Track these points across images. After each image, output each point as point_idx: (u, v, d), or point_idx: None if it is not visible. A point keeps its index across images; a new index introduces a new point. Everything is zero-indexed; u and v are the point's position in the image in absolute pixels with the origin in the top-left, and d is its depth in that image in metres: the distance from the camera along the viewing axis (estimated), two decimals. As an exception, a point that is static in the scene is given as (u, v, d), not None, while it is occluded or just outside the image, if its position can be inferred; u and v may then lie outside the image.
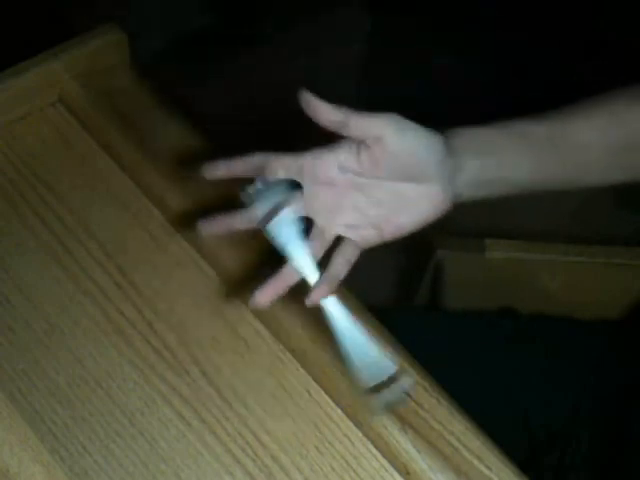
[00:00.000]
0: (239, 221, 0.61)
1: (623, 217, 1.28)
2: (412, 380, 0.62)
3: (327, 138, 0.59)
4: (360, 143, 0.57)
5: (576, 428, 0.82)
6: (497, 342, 0.88)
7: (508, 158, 0.60)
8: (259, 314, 0.68)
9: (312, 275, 0.59)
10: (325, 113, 0.57)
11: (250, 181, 0.61)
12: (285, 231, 0.60)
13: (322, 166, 0.59)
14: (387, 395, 0.60)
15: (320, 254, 0.60)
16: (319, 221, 0.60)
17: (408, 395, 0.62)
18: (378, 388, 0.60)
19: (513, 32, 1.51)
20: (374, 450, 0.62)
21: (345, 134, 0.57)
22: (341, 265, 0.60)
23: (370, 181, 0.59)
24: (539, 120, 0.61)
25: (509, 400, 0.84)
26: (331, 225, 0.60)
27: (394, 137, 0.56)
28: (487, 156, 0.60)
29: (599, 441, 0.81)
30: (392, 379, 0.60)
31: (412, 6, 1.62)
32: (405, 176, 0.58)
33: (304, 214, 0.61)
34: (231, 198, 0.74)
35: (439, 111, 1.52)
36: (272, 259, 0.70)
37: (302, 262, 0.59)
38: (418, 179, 0.58)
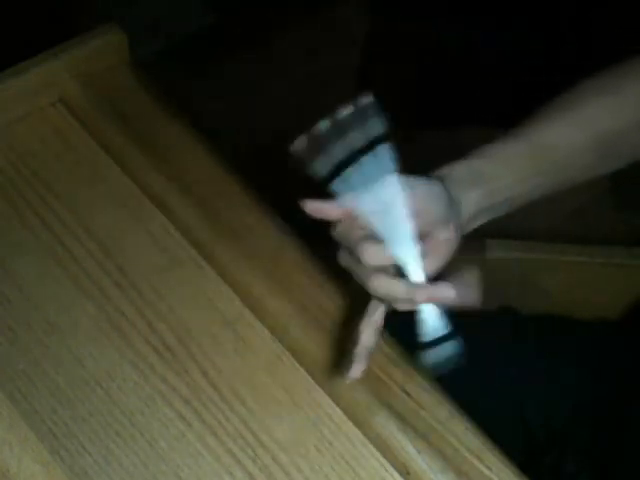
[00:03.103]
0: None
1: (622, 217, 1.28)
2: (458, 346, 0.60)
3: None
4: None
5: (576, 428, 0.82)
6: (496, 342, 0.88)
7: (501, 183, 0.61)
8: (259, 314, 0.68)
9: (416, 271, 0.56)
10: (334, 211, 0.56)
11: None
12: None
13: None
14: (438, 353, 0.58)
15: None
16: None
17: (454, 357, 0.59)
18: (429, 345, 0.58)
19: (516, 30, 1.51)
20: (374, 450, 0.62)
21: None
22: (371, 336, 0.59)
23: None
24: (517, 137, 0.62)
25: (509, 400, 0.84)
26: None
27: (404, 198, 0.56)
28: (482, 186, 0.60)
29: (599, 441, 0.81)
30: (442, 339, 0.58)
31: (412, 7, 1.62)
32: (421, 230, 0.58)
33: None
34: (232, 197, 0.74)
35: (438, 111, 1.52)
36: (272, 259, 0.70)
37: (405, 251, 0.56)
38: (434, 229, 0.58)
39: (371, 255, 0.56)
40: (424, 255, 0.57)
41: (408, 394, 0.63)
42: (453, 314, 0.61)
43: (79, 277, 0.69)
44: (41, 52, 0.78)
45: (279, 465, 0.61)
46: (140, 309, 0.68)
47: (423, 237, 0.58)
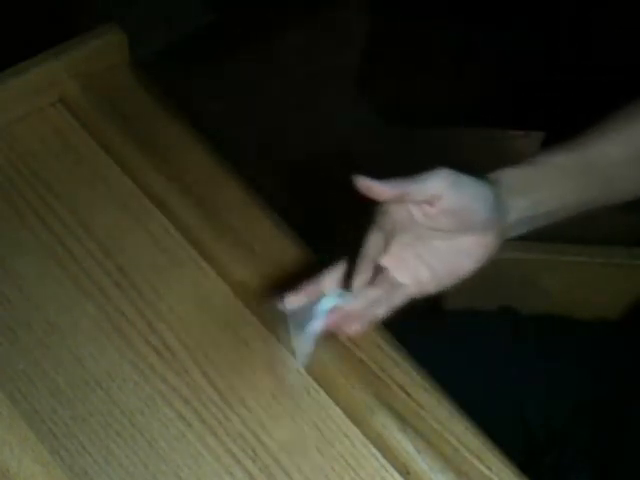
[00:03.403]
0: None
1: (622, 217, 1.28)
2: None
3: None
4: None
5: (576, 428, 0.82)
6: (497, 342, 0.88)
7: (548, 193, 0.61)
8: (259, 314, 0.68)
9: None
10: (384, 192, 0.57)
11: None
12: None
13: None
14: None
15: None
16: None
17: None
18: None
19: (516, 30, 1.51)
20: (374, 450, 0.62)
21: (405, 202, 0.58)
22: (386, 313, 0.61)
23: (428, 232, 0.60)
24: (568, 150, 0.62)
25: (508, 400, 0.84)
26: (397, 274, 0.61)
27: (451, 195, 0.57)
28: (530, 195, 0.61)
29: (599, 441, 0.81)
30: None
31: (412, 7, 1.62)
32: (462, 228, 0.59)
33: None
34: (232, 197, 0.74)
35: (438, 111, 1.52)
36: (272, 259, 0.70)
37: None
38: (474, 230, 0.59)
39: (368, 243, 0.58)
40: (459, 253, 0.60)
41: (408, 394, 0.63)
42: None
43: (79, 277, 0.69)
44: (41, 52, 0.77)
45: (279, 465, 0.61)
46: (140, 309, 0.68)
47: (463, 236, 0.59)
